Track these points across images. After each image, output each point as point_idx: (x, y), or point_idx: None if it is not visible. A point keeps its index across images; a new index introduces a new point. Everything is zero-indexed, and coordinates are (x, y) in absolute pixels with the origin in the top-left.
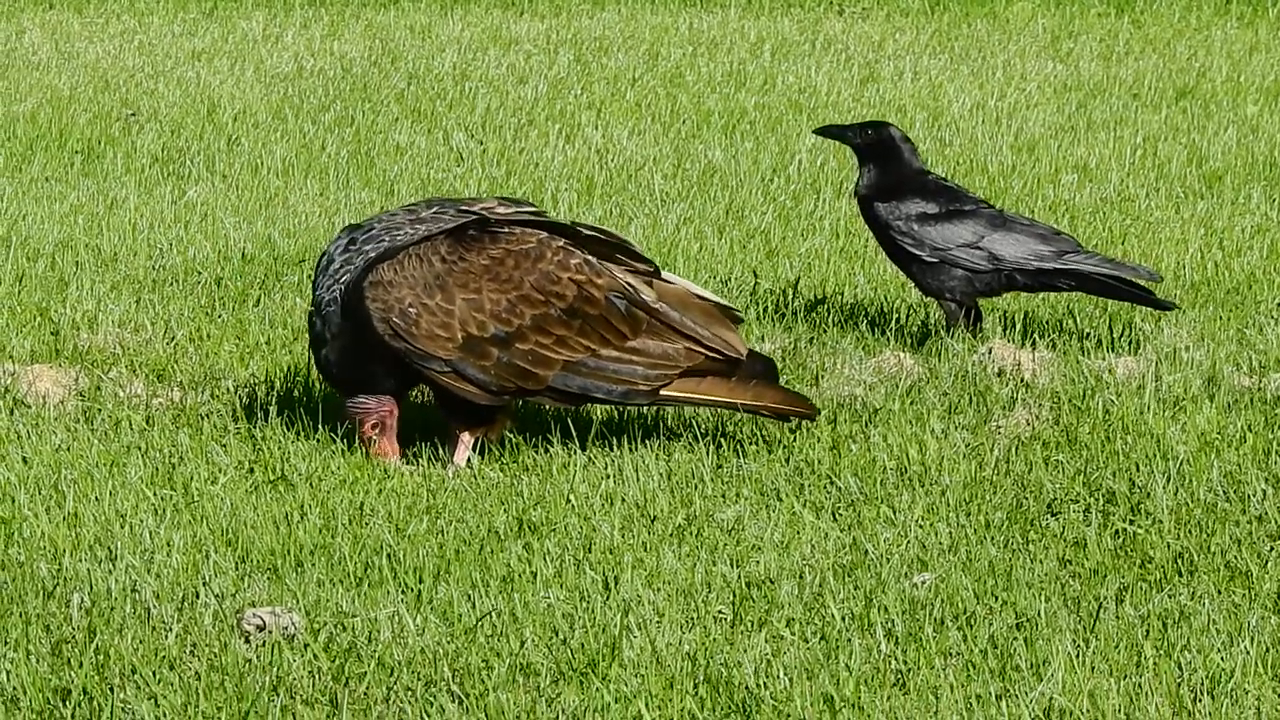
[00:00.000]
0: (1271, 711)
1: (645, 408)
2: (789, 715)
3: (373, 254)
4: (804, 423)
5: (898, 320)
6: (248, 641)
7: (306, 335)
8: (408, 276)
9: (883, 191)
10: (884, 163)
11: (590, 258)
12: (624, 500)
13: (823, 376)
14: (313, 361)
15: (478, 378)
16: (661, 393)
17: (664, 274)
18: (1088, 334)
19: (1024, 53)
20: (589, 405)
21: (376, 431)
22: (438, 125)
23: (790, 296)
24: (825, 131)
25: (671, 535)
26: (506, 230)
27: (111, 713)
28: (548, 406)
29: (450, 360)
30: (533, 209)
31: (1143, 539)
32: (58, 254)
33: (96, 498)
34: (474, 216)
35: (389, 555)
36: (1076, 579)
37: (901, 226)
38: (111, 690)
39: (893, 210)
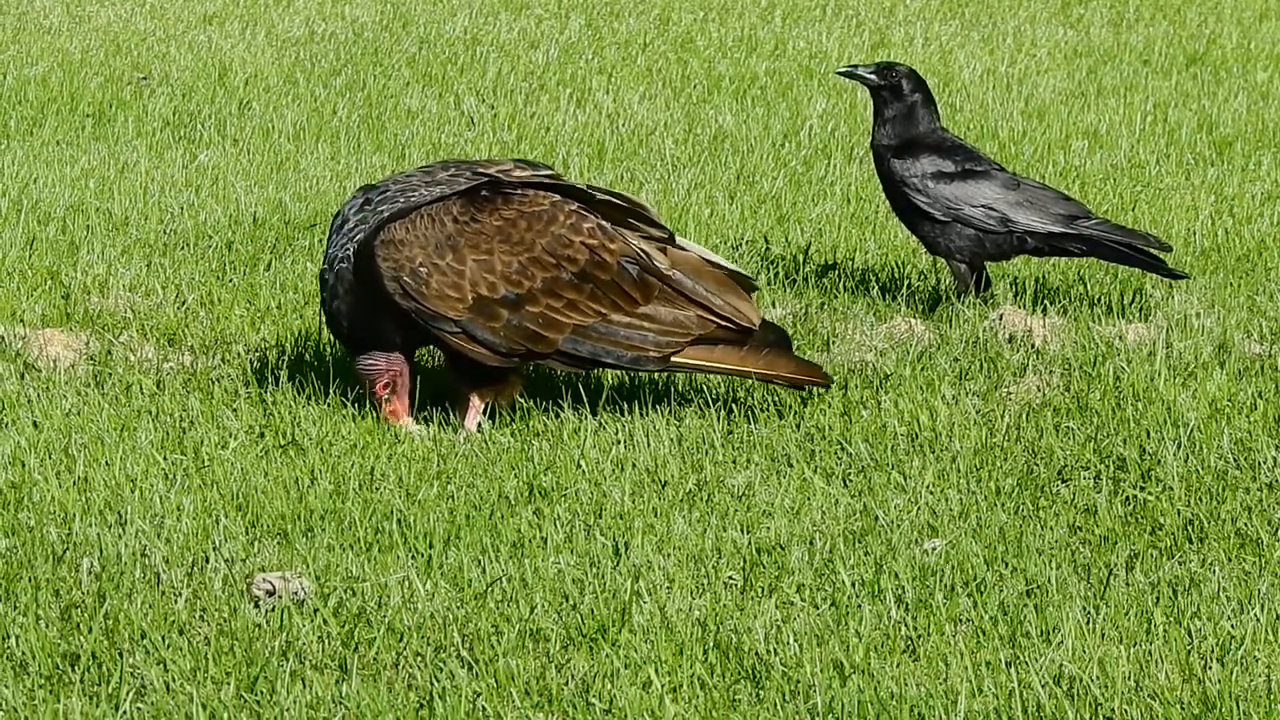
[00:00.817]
0: None
1: (655, 373)
2: (799, 682)
3: (386, 213)
4: (817, 390)
5: (909, 286)
6: (257, 606)
7: (317, 299)
8: (419, 236)
9: (899, 147)
10: (900, 112)
11: (604, 222)
12: (634, 465)
13: (834, 342)
14: (324, 319)
15: (487, 339)
16: (672, 360)
17: (679, 240)
18: (1098, 300)
19: (1034, 18)
20: (599, 370)
21: (388, 392)
22: (449, 90)
23: (801, 262)
24: (847, 73)
25: (682, 501)
26: (520, 192)
27: (121, 677)
28: (558, 370)
29: (460, 321)
30: (550, 172)
31: (1153, 506)
32: (69, 218)
33: (107, 462)
34: (488, 178)
35: (399, 520)
36: (1087, 546)
37: (916, 184)
38: (121, 655)
39: (908, 167)
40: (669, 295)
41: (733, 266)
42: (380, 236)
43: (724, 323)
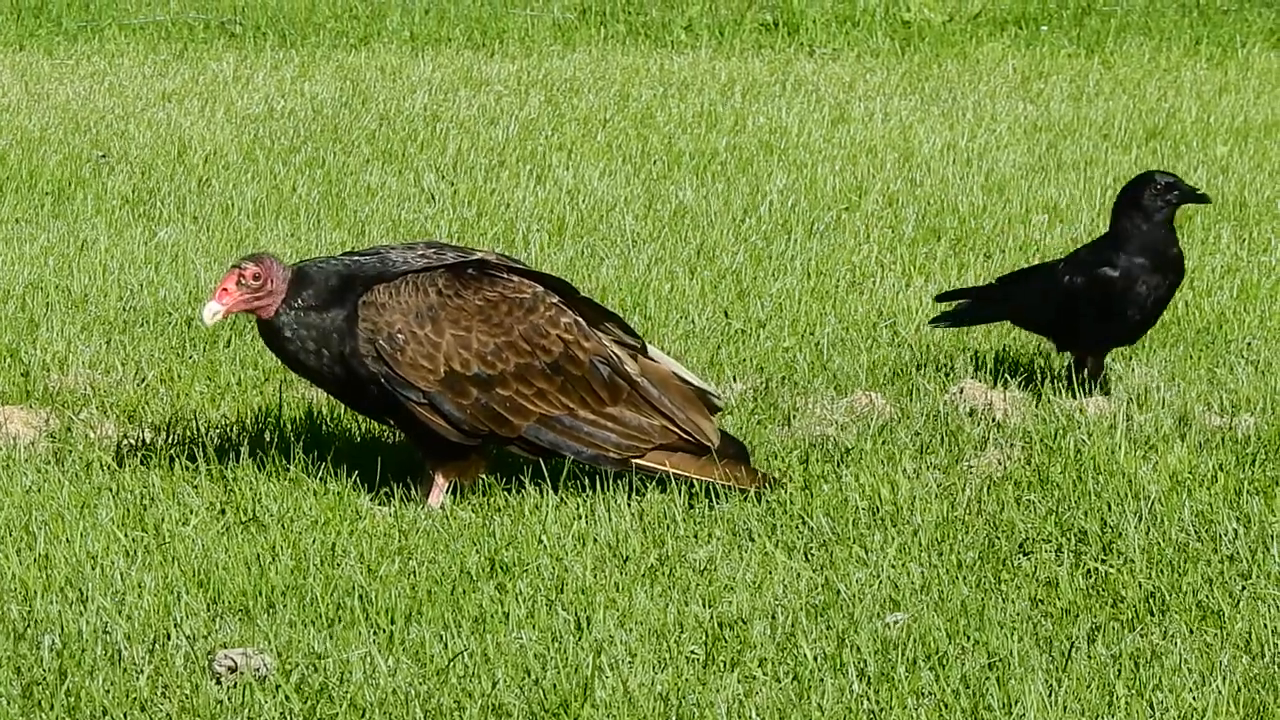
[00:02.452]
0: None
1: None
2: None
3: (368, 266)
4: (777, 464)
5: (869, 360)
6: (219, 683)
7: (278, 376)
8: (401, 302)
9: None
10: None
11: (580, 320)
12: (596, 540)
13: (794, 416)
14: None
15: (452, 414)
16: (631, 463)
17: (650, 350)
18: (1059, 374)
19: (994, 93)
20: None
21: (253, 282)
22: (409, 166)
23: (761, 337)
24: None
25: (644, 575)
26: (505, 276)
27: None
28: (518, 455)
29: (429, 393)
30: (524, 266)
31: (1114, 578)
32: (28, 295)
33: (67, 539)
34: (476, 258)
35: (361, 596)
36: (1048, 618)
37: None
38: None
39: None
40: (636, 401)
41: (700, 383)
42: (364, 297)
43: (685, 437)
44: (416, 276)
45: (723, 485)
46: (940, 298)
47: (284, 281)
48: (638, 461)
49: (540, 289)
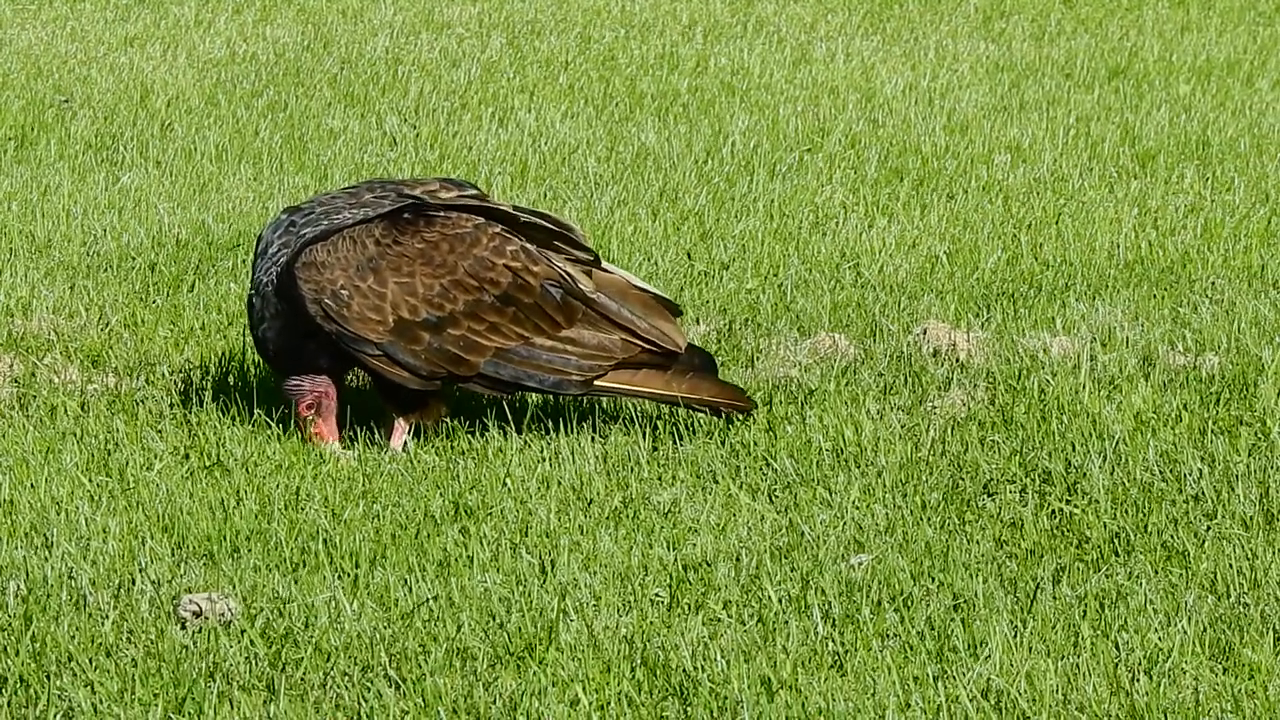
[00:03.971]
0: (1209, 690)
1: (579, 397)
2: (726, 698)
3: (309, 235)
4: (740, 415)
5: (832, 301)
6: (184, 628)
7: (242, 320)
8: (341, 258)
9: None
10: None
11: (528, 245)
12: (560, 484)
13: (758, 358)
14: (252, 343)
15: (409, 362)
16: (595, 383)
17: (604, 264)
18: (1023, 313)
19: (956, 33)
20: (522, 393)
21: (312, 413)
22: (371, 110)
23: (724, 278)
24: None
25: (608, 518)
26: (442, 215)
27: (49, 700)
28: (480, 394)
29: (381, 344)
30: (476, 192)
31: (1079, 519)
32: None
33: (32, 485)
34: (412, 200)
35: (325, 540)
36: (1013, 559)
37: None
38: (48, 678)
39: None
40: (593, 319)
41: (658, 291)
42: (302, 259)
43: (649, 346)
44: (353, 229)
45: (684, 398)
46: None
47: (319, 382)
48: (602, 383)
49: (481, 220)
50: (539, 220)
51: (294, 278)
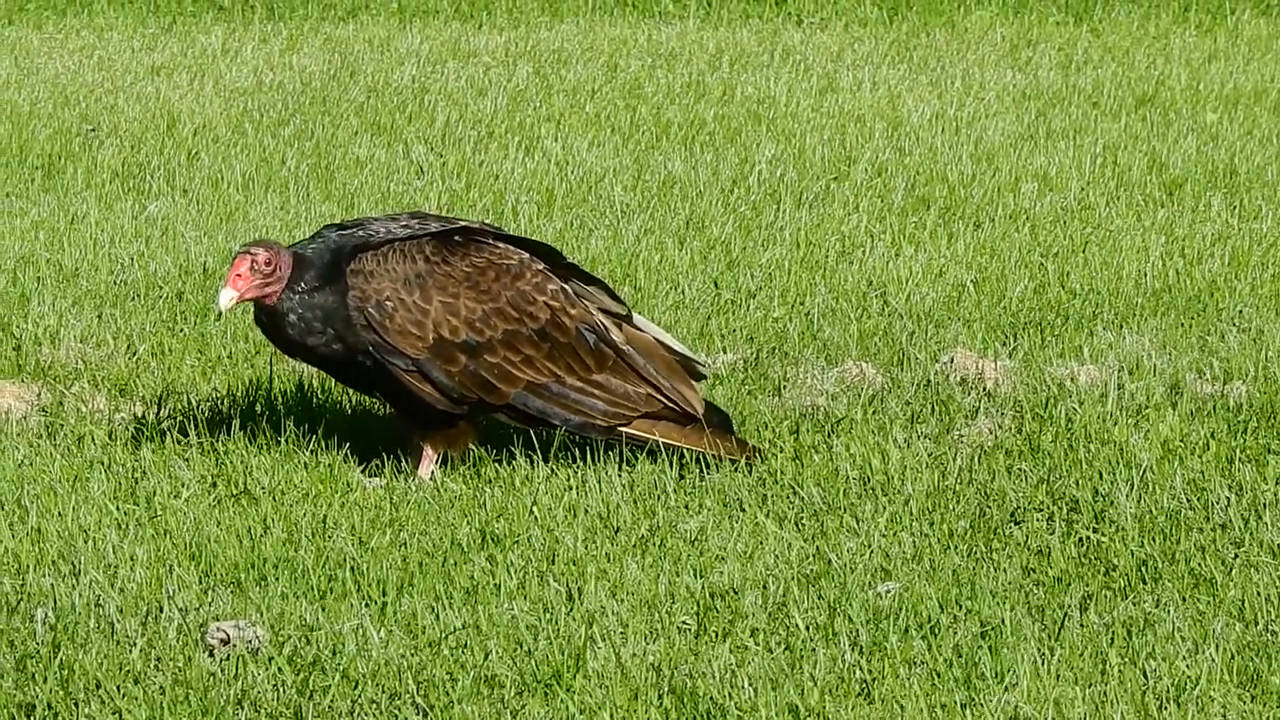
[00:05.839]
0: (1237, 718)
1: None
2: None
3: (359, 241)
4: (767, 435)
5: (859, 330)
6: (212, 655)
7: (268, 350)
8: (389, 269)
9: None
10: None
11: (567, 287)
12: (587, 511)
13: (785, 387)
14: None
15: (441, 382)
16: (617, 430)
17: (635, 319)
18: (1050, 342)
19: (982, 62)
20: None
21: (264, 268)
22: (397, 138)
23: (751, 307)
24: None
25: (635, 546)
26: (490, 242)
27: None
28: (506, 424)
29: (418, 360)
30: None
31: (1107, 547)
32: (19, 269)
33: (60, 513)
34: (462, 224)
35: (352, 568)
36: (1041, 587)
37: None
38: (76, 705)
39: None
40: (622, 369)
41: (684, 351)
42: (351, 265)
43: (670, 405)
44: (404, 244)
45: (710, 455)
46: None
47: (289, 267)
48: (625, 430)
49: (526, 256)
50: (578, 269)
51: (345, 283)
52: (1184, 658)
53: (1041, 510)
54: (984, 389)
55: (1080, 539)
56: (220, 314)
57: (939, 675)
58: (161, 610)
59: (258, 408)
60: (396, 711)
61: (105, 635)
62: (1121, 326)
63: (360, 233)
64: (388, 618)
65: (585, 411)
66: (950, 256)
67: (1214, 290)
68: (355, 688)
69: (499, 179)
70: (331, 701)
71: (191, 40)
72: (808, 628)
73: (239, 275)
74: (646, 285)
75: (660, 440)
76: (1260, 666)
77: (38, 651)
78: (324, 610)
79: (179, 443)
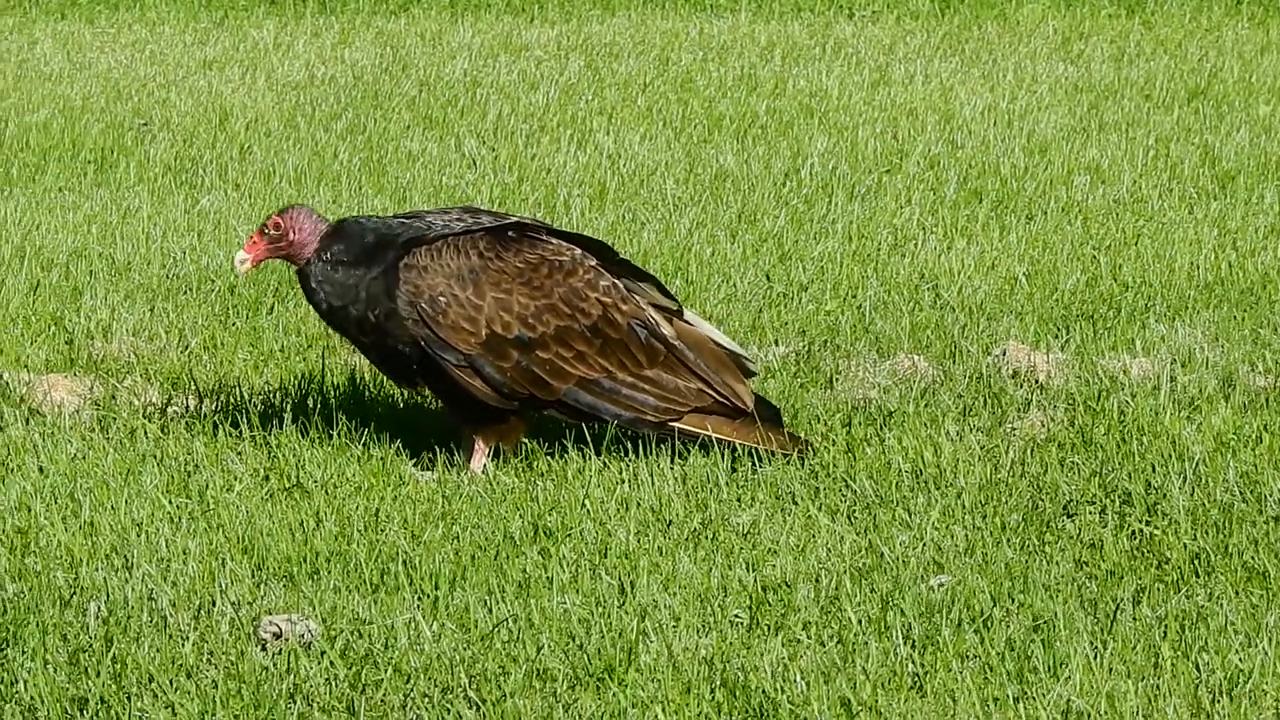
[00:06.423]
0: None
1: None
2: (806, 719)
3: (413, 233)
4: (819, 428)
5: (911, 323)
6: (264, 649)
7: (322, 343)
8: (443, 265)
9: None
10: None
11: (619, 283)
12: (639, 505)
13: (837, 380)
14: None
15: (493, 377)
16: (668, 425)
17: (686, 314)
18: (1102, 334)
19: (1035, 55)
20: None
21: (273, 231)
22: (449, 132)
23: (803, 300)
24: None
25: (687, 540)
26: (544, 238)
27: None
28: (557, 419)
29: (470, 355)
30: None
31: (1159, 540)
32: (71, 263)
33: (112, 506)
34: (514, 220)
35: (405, 562)
36: (1093, 580)
37: None
38: (129, 699)
39: None
40: (673, 364)
41: (735, 347)
42: (404, 260)
43: (721, 399)
44: (457, 239)
45: (762, 449)
46: None
47: (315, 233)
48: (676, 425)
49: (579, 252)
50: (629, 263)
51: (396, 276)
52: (1237, 651)
53: (1094, 503)
54: (1036, 382)
55: (1133, 532)
56: (238, 276)
57: (991, 669)
58: (214, 604)
59: (310, 401)
60: (449, 705)
61: (158, 629)
62: (1174, 319)
63: (414, 224)
64: (440, 611)
65: (636, 407)
66: (1002, 249)
67: (1267, 283)
68: (407, 682)
69: (551, 173)
70: (384, 695)
71: (243, 34)
72: (860, 621)
73: (252, 240)
74: (698, 279)
75: (711, 434)
76: None
77: (90, 645)
78: (376, 604)
79: (231, 436)
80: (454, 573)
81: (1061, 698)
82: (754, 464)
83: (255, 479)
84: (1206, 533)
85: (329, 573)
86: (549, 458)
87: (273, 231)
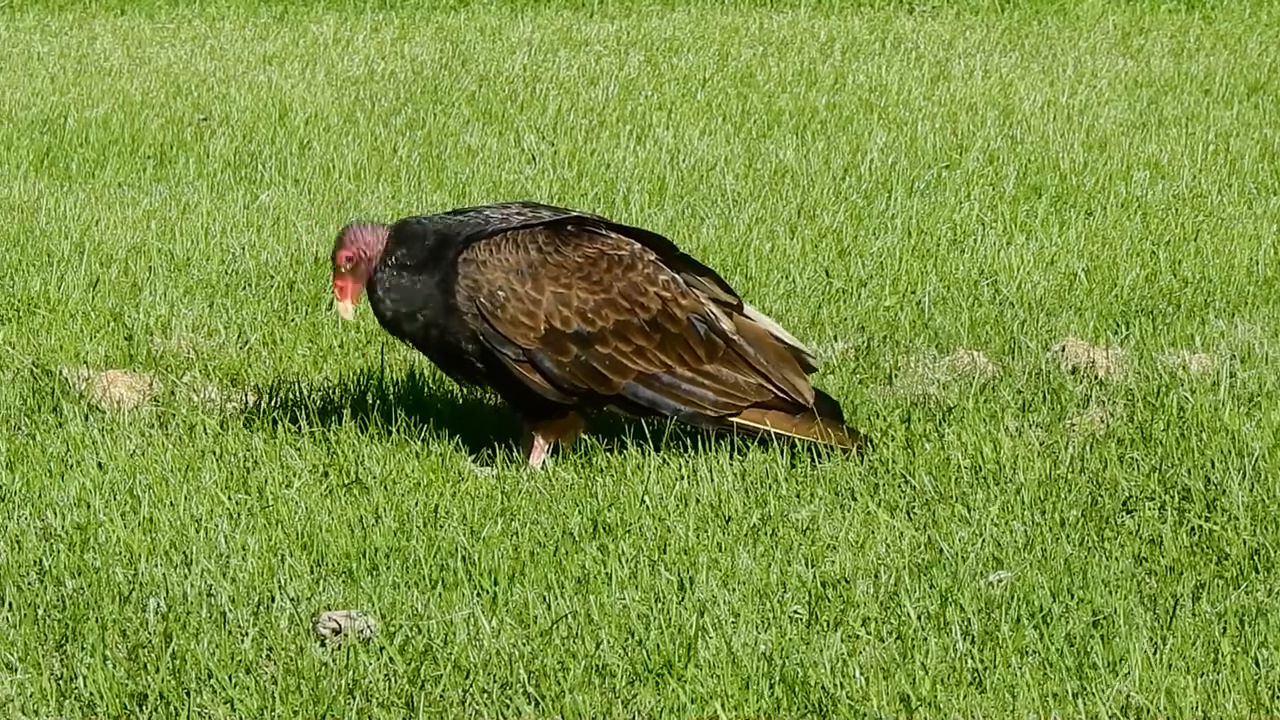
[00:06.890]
0: None
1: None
2: (865, 715)
3: (474, 229)
4: (878, 424)
5: (971, 318)
6: (323, 645)
7: (380, 339)
8: (502, 259)
9: None
10: None
11: (678, 277)
12: (698, 501)
13: (896, 376)
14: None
15: (552, 372)
16: (727, 419)
17: (746, 309)
18: (1161, 330)
19: (1094, 49)
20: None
21: (349, 265)
22: (509, 127)
23: (863, 295)
24: None
25: (746, 535)
26: (603, 233)
27: (189, 717)
28: (616, 414)
29: (528, 350)
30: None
31: (1219, 536)
32: (131, 259)
33: (171, 503)
34: (574, 214)
35: (464, 557)
36: (1153, 576)
37: None
38: (188, 695)
39: None
40: (732, 359)
41: (795, 342)
42: (464, 254)
43: (781, 394)
44: (516, 233)
45: (822, 444)
46: None
47: (380, 240)
48: (735, 420)
49: (638, 246)
50: (689, 258)
51: (455, 271)
52: None
53: (1153, 499)
54: (1095, 377)
55: (1192, 528)
56: (351, 321)
57: (1051, 664)
58: (273, 600)
59: (369, 397)
60: (508, 701)
61: (217, 625)
62: (1233, 315)
63: (474, 219)
64: (499, 607)
65: (695, 402)
66: (1062, 245)
67: None
68: (467, 677)
69: (610, 168)
70: (443, 691)
71: (303, 29)
72: (919, 617)
73: (338, 286)
74: (758, 274)
75: (771, 429)
76: None
77: (150, 641)
78: (435, 600)
79: (290, 432)
80: (513, 568)
81: (1121, 694)
82: (813, 460)
83: (314, 475)
84: (1266, 529)
85: (388, 568)
86: (608, 454)
87: (347, 266)
